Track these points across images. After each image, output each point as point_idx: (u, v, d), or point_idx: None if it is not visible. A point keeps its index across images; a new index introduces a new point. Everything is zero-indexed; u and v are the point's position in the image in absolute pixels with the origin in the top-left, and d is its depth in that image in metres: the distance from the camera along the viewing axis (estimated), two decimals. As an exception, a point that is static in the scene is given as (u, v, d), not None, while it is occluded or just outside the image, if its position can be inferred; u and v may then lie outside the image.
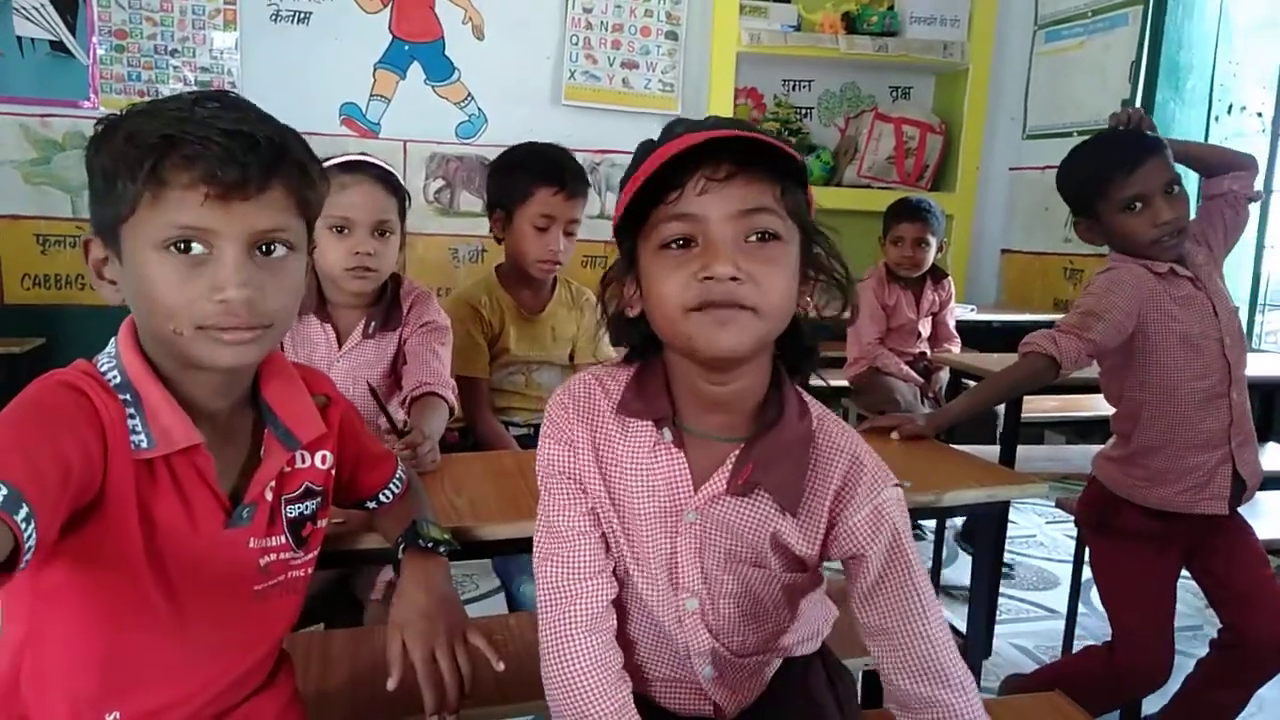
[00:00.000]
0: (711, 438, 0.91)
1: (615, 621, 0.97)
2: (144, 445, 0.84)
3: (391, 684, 0.97)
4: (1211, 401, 1.73)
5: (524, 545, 1.27)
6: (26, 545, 0.68)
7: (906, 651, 0.91)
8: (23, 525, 0.68)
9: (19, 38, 3.50)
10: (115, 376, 0.86)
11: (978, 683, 1.63)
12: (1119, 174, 1.69)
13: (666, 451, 0.91)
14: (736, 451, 0.90)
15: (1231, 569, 1.76)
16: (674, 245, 0.83)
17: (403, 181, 1.72)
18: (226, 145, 0.80)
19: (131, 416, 0.84)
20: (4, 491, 0.68)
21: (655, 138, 0.87)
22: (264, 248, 0.85)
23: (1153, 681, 1.79)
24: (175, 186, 0.80)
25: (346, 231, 1.60)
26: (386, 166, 1.67)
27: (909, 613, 0.91)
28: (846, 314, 0.91)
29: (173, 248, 0.82)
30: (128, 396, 0.85)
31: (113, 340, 0.89)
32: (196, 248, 0.82)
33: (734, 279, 0.80)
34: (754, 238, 0.83)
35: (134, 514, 0.84)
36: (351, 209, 1.59)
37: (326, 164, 1.57)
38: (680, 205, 0.82)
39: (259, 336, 0.85)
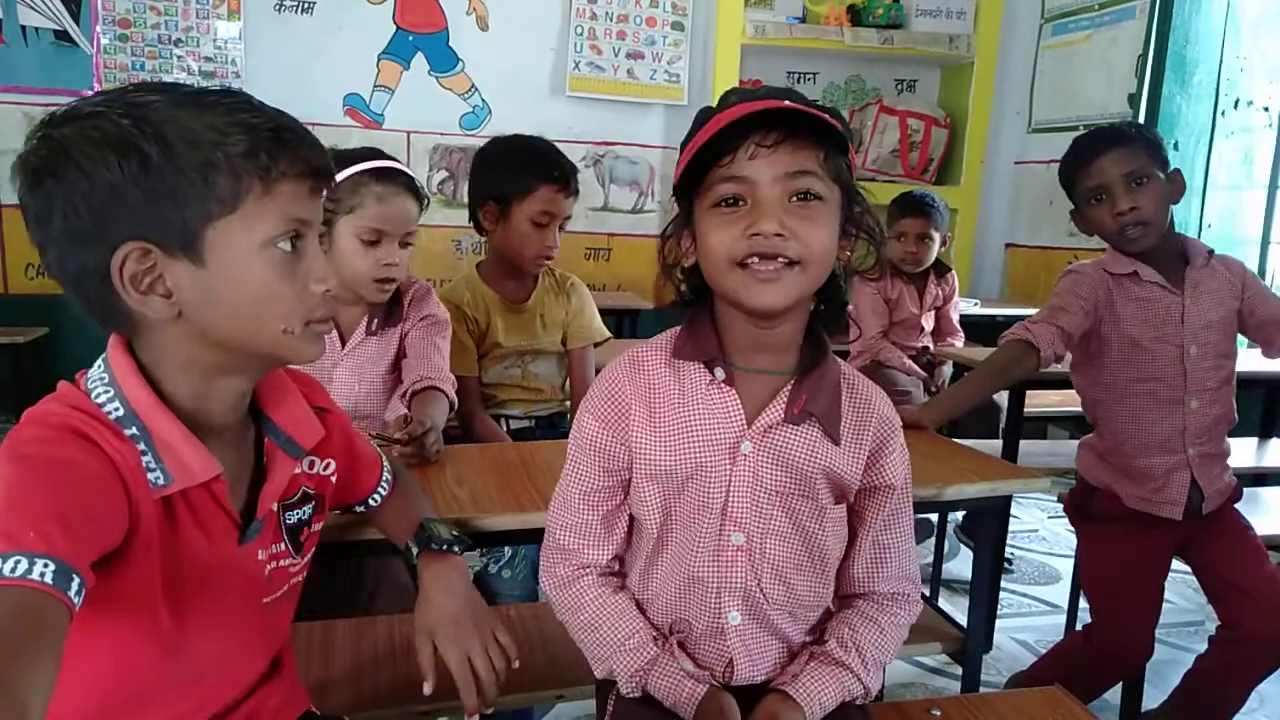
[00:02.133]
0: (761, 372, 1.00)
1: (620, 581, 1.07)
2: (161, 482, 0.79)
3: (428, 689, 0.97)
4: (1163, 406, 1.77)
5: (525, 536, 1.28)
6: (75, 615, 0.66)
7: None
8: (74, 598, 0.66)
9: (23, 27, 3.50)
10: (117, 409, 0.79)
11: (978, 678, 1.64)
12: (1080, 165, 1.76)
13: (719, 390, 0.99)
14: (790, 384, 0.99)
15: (1227, 564, 1.77)
16: (725, 204, 0.92)
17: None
18: (311, 135, 0.80)
19: (144, 453, 0.79)
20: (53, 566, 0.64)
21: (695, 120, 0.96)
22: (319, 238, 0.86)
23: (1128, 662, 1.83)
24: (288, 179, 0.78)
25: (377, 242, 1.59)
26: (411, 173, 1.65)
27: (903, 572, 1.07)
28: (875, 270, 1.02)
29: (283, 243, 0.80)
30: (134, 431, 0.79)
31: (101, 363, 0.82)
32: (297, 241, 0.82)
33: (778, 235, 0.90)
34: (797, 198, 0.91)
35: (157, 553, 0.80)
36: (387, 221, 1.58)
37: (360, 168, 1.56)
38: (732, 168, 0.91)
39: (332, 325, 0.87)
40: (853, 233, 0.97)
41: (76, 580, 0.66)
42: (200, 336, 0.81)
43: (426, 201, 1.68)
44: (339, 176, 1.56)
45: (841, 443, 1.00)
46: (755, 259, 0.91)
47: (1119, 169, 1.71)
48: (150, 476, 0.79)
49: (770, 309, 0.93)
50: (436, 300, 1.79)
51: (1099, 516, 1.85)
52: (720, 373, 0.98)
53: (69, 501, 0.70)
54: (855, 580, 1.07)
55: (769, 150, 0.89)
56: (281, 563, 0.94)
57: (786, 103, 0.89)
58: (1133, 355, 1.77)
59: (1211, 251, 1.80)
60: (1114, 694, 1.98)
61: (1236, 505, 1.85)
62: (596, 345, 2.18)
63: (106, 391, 0.80)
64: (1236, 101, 3.61)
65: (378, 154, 1.64)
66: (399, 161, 1.65)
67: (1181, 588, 1.82)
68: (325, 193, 0.84)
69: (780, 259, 0.90)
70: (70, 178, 0.74)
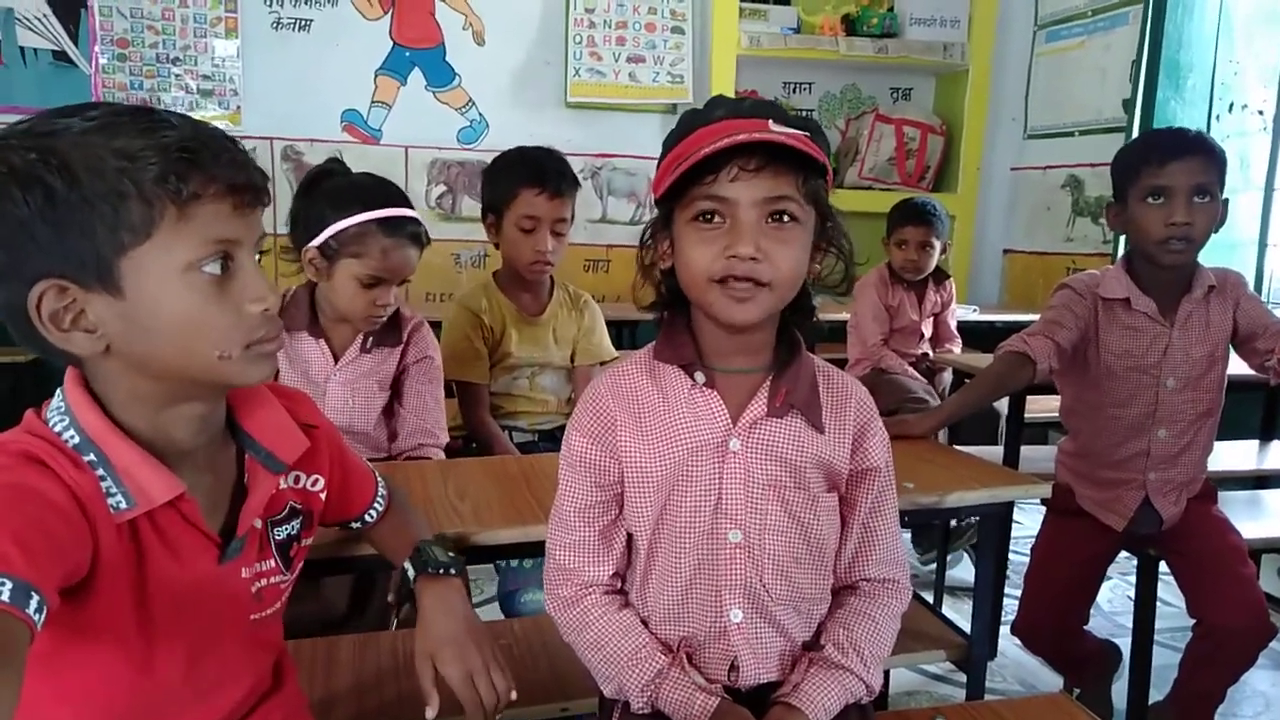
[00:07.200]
0: (740, 371, 1.03)
1: (624, 599, 1.07)
2: (123, 506, 0.78)
3: (431, 713, 0.97)
4: (1129, 430, 1.80)
5: (527, 550, 1.28)
6: (37, 633, 0.65)
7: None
8: (34, 616, 0.65)
9: (21, 48, 3.51)
10: (73, 436, 0.79)
11: (983, 685, 1.64)
12: (1153, 162, 1.69)
13: (700, 392, 1.01)
14: (768, 381, 1.02)
15: (1192, 563, 1.80)
16: (704, 219, 0.95)
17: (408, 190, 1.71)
18: (233, 150, 0.77)
19: (103, 478, 0.78)
20: (10, 584, 0.63)
21: (679, 122, 0.99)
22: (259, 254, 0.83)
23: (1034, 643, 1.95)
24: (205, 200, 0.75)
25: (375, 286, 1.61)
26: (417, 216, 1.65)
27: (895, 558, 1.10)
28: (844, 286, 1.05)
29: (209, 266, 0.77)
30: (92, 457, 0.78)
31: (59, 394, 0.81)
32: (227, 263, 0.78)
33: (753, 259, 0.92)
34: (774, 219, 0.94)
35: (125, 580, 0.79)
36: (388, 271, 1.60)
37: (369, 216, 1.56)
38: (714, 188, 0.93)
39: (282, 343, 0.84)
40: (825, 248, 1.01)
41: (35, 598, 0.65)
42: (137, 368, 0.80)
43: (428, 241, 1.68)
44: (348, 222, 1.57)
45: (826, 430, 1.03)
46: (731, 279, 0.94)
47: (1190, 179, 1.65)
48: (111, 501, 0.78)
49: (743, 325, 0.97)
50: (432, 338, 1.81)
51: (1055, 509, 1.93)
52: (700, 376, 1.01)
53: (25, 523, 0.68)
54: (844, 566, 1.08)
55: (751, 174, 0.92)
56: (271, 579, 0.93)
57: (772, 128, 0.91)
58: (1106, 380, 1.80)
59: (1213, 287, 1.77)
60: (1119, 698, 1.98)
61: (1220, 507, 1.88)
62: (603, 364, 2.19)
63: (63, 420, 0.80)
64: (1231, 105, 3.62)
65: (386, 192, 1.64)
66: (407, 202, 1.65)
67: (1180, 593, 1.83)
68: (256, 209, 0.80)
69: (753, 281, 0.93)
70: None
